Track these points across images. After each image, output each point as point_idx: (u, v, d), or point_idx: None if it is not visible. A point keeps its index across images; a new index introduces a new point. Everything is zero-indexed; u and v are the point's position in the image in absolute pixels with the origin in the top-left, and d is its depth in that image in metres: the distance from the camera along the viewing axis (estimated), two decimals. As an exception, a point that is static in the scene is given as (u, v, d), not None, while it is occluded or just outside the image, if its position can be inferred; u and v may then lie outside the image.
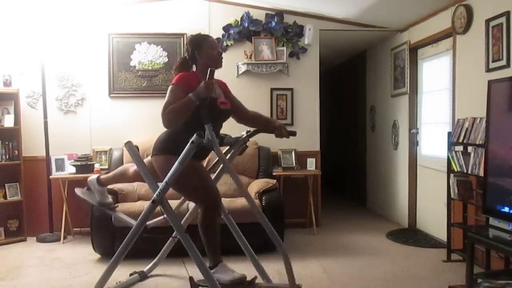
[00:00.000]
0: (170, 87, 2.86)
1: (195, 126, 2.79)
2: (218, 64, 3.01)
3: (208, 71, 2.82)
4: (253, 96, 4.93)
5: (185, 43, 3.05)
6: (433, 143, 4.84)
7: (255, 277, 3.08)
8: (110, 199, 3.41)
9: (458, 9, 4.07)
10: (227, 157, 3.12)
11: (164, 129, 2.93)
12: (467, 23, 3.96)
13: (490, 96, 3.04)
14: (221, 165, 3.20)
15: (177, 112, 2.76)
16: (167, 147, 2.91)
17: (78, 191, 3.38)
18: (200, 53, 2.96)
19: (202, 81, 2.83)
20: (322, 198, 5.36)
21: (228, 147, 3.16)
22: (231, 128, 3.26)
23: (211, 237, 2.92)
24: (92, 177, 3.31)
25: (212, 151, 2.92)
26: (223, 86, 3.14)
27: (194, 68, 3.05)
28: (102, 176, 3.31)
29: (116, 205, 3.62)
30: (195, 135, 2.69)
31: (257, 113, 3.24)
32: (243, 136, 3.13)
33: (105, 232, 4.02)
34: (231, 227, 3.15)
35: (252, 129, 3.21)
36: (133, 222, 2.99)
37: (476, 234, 2.97)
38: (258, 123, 3.19)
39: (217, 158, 3.19)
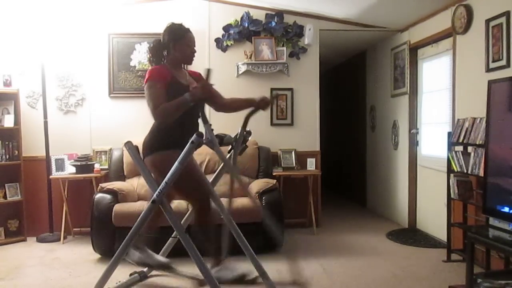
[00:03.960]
0: (147, 84, 2.84)
1: (179, 120, 2.80)
2: (189, 61, 3.04)
3: (206, 71, 2.83)
4: (253, 96, 4.91)
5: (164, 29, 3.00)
6: (433, 143, 4.84)
7: (257, 276, 3.06)
8: (161, 257, 3.23)
9: (458, 9, 4.07)
10: (228, 157, 3.12)
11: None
12: (467, 23, 3.96)
13: (490, 96, 3.03)
14: (222, 164, 3.20)
15: (171, 111, 2.77)
16: (153, 147, 2.93)
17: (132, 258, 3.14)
18: (175, 46, 2.94)
19: (172, 73, 2.88)
20: (322, 198, 5.36)
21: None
22: (231, 128, 3.25)
23: (210, 234, 2.93)
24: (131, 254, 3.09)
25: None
26: (197, 75, 3.14)
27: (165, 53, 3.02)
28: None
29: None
30: (195, 135, 2.70)
31: (235, 98, 3.23)
32: (240, 131, 3.12)
33: (105, 232, 4.01)
34: (231, 227, 3.15)
35: None
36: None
37: (476, 234, 2.97)
38: (239, 104, 3.17)
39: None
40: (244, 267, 3.07)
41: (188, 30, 3.01)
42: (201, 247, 2.84)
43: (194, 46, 3.03)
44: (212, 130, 2.94)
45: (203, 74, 2.90)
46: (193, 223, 2.97)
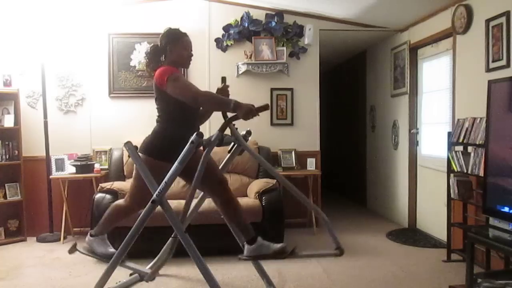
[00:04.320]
0: (171, 77, 2.77)
1: (184, 134, 2.78)
2: (186, 65, 3.05)
3: (222, 79, 2.83)
4: (253, 96, 4.92)
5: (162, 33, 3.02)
6: (433, 143, 4.84)
7: (295, 247, 3.01)
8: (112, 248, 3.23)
9: (458, 9, 4.07)
10: (229, 157, 3.12)
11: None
12: (467, 23, 3.96)
13: (490, 96, 3.03)
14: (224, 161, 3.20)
15: (212, 102, 2.81)
16: (151, 150, 2.92)
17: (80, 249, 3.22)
18: (172, 49, 2.95)
19: None
20: (322, 198, 5.36)
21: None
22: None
23: (237, 215, 2.98)
24: (87, 238, 3.18)
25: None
26: None
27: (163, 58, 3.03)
28: (93, 230, 3.21)
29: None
30: (194, 134, 2.70)
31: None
32: (242, 134, 3.11)
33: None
34: (231, 227, 3.15)
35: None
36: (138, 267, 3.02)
37: (476, 234, 2.97)
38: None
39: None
40: (241, 268, 3.06)
41: (185, 34, 3.02)
42: (200, 247, 2.83)
43: (191, 50, 3.04)
44: (237, 128, 2.94)
45: (220, 81, 2.88)
46: (220, 211, 3.02)
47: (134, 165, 2.91)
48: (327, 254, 3.21)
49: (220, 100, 2.79)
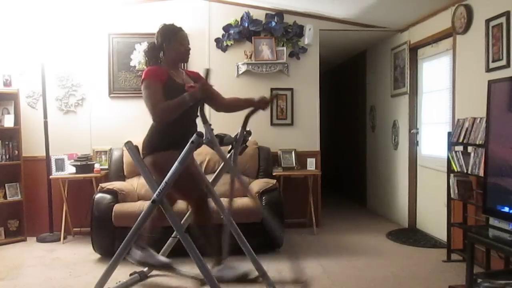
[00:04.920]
0: (144, 83, 2.88)
1: (178, 120, 2.81)
2: (184, 59, 3.07)
3: (205, 71, 2.84)
4: (253, 96, 4.91)
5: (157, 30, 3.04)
6: (433, 143, 4.84)
7: (259, 275, 3.07)
8: (162, 257, 3.25)
9: (458, 9, 4.07)
10: (228, 157, 3.12)
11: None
12: (467, 23, 3.96)
13: (490, 96, 3.03)
14: (222, 164, 3.20)
15: (171, 110, 2.78)
16: (152, 147, 2.94)
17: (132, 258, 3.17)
18: (168, 46, 2.97)
19: (169, 72, 2.91)
20: (322, 198, 5.36)
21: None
22: (231, 128, 3.25)
23: (208, 234, 2.94)
24: (133, 254, 3.12)
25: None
26: (195, 75, 3.16)
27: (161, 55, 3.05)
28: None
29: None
30: (195, 134, 2.70)
31: (235, 97, 3.23)
32: (240, 131, 3.12)
33: (105, 232, 4.01)
34: (231, 227, 3.15)
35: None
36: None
37: (476, 234, 2.97)
38: (239, 105, 3.17)
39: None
40: (245, 266, 3.07)
41: (180, 29, 3.03)
42: (201, 247, 2.84)
43: (188, 44, 3.05)
44: (212, 130, 2.94)
45: (202, 74, 2.91)
46: (192, 223, 2.97)
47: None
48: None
49: (177, 102, 2.77)
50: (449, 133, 4.01)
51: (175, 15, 5.03)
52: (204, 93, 2.79)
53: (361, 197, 6.72)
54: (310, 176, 5.08)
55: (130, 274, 3.45)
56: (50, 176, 4.76)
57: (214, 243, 2.96)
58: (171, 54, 2.98)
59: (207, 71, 2.84)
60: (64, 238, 4.73)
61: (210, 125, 2.89)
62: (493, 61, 3.64)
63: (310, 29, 5.13)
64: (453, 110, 4.25)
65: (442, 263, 3.94)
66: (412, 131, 5.21)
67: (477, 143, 3.53)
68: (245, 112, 3.11)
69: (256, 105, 3.06)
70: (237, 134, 3.12)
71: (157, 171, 2.86)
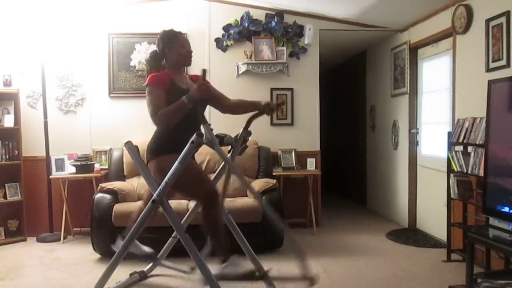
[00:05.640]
0: (148, 89, 2.87)
1: (182, 123, 2.81)
2: (187, 62, 3.05)
3: (202, 71, 2.83)
4: (253, 96, 4.89)
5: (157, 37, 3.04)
6: (433, 143, 4.84)
7: (267, 271, 3.03)
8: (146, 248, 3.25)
9: (458, 9, 4.07)
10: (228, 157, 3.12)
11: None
12: (467, 23, 3.96)
13: (490, 96, 3.03)
14: (222, 164, 3.20)
15: (170, 115, 2.78)
16: (156, 151, 2.93)
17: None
18: (170, 50, 2.97)
19: (172, 78, 2.90)
20: (322, 198, 5.36)
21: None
22: (231, 128, 3.25)
23: (217, 232, 2.91)
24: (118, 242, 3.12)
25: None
26: (198, 78, 3.13)
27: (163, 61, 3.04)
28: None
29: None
30: (195, 134, 2.70)
31: (241, 99, 3.21)
32: (241, 132, 3.12)
33: (105, 232, 4.01)
34: (231, 227, 3.15)
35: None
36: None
37: (476, 234, 2.97)
38: (245, 107, 3.16)
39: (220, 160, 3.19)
40: (249, 265, 3.05)
41: (179, 33, 3.04)
42: (200, 247, 2.84)
43: (189, 46, 3.04)
44: (212, 130, 2.94)
45: (200, 74, 2.90)
46: (201, 222, 2.93)
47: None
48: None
49: (175, 107, 2.77)
50: (449, 133, 4.01)
51: (175, 15, 5.05)
52: (202, 93, 2.77)
53: (361, 197, 6.72)
54: (310, 176, 5.08)
55: (130, 274, 3.45)
56: (50, 176, 4.76)
57: (222, 242, 2.94)
58: (173, 57, 2.98)
59: (204, 71, 2.83)
60: (64, 238, 4.73)
61: (210, 125, 2.89)
62: (493, 61, 3.64)
63: (310, 29, 5.13)
64: (453, 110, 4.25)
65: (442, 263, 3.94)
66: (412, 131, 5.21)
67: (477, 143, 3.53)
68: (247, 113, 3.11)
69: (262, 109, 3.05)
70: (237, 135, 3.12)
71: (161, 175, 2.85)
